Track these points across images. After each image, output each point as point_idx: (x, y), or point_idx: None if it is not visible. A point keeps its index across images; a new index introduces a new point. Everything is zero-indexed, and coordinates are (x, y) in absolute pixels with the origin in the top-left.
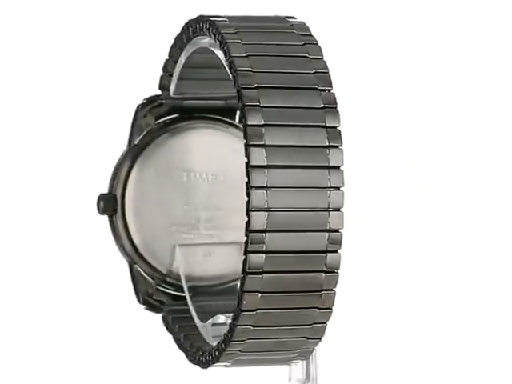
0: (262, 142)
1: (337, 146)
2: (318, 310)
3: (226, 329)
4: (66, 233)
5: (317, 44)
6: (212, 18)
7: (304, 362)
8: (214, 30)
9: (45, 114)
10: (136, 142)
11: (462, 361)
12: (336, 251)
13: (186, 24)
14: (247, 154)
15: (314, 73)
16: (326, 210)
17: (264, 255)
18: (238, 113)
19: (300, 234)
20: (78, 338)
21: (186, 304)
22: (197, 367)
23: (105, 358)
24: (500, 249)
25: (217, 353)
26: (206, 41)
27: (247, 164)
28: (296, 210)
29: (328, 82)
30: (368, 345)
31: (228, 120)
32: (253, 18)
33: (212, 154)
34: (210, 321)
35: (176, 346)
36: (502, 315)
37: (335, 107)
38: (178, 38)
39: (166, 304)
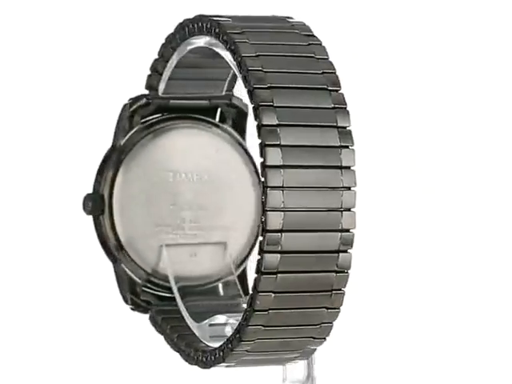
0: (278, 142)
1: (348, 146)
2: (326, 310)
3: (223, 329)
4: (48, 233)
5: (321, 44)
6: (214, 18)
7: (303, 361)
8: (218, 30)
9: (27, 112)
10: (122, 143)
11: (463, 362)
12: (347, 251)
13: (181, 24)
14: (263, 154)
15: (322, 73)
16: (339, 210)
17: (279, 255)
18: (218, 112)
19: (314, 234)
20: (65, 339)
21: (175, 304)
22: (185, 366)
23: (90, 359)
24: (500, 249)
25: (222, 353)
26: (205, 40)
27: (263, 164)
28: (310, 210)
29: (336, 82)
30: (367, 345)
31: (211, 120)
32: (254, 18)
33: (196, 153)
34: (206, 321)
35: (166, 346)
36: (502, 315)
37: (345, 107)
38: (171, 38)
39: (153, 304)
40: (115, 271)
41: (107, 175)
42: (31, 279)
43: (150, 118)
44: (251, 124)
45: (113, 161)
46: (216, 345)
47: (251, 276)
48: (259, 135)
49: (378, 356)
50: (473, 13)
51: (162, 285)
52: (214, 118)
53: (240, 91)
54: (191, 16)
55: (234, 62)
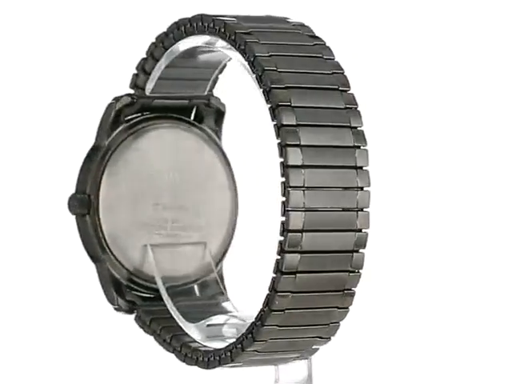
0: (298, 142)
1: (361, 146)
2: (337, 310)
3: (220, 329)
4: (28, 232)
5: (325, 44)
6: (219, 18)
7: (302, 361)
8: (224, 30)
9: (7, 112)
10: (107, 143)
11: (460, 363)
12: (360, 251)
13: (177, 23)
14: (283, 154)
15: (332, 73)
16: (355, 210)
17: (299, 255)
18: (193, 112)
19: (331, 234)
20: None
21: (162, 304)
22: (170, 366)
23: (75, 361)
24: (500, 249)
25: (230, 353)
26: (204, 39)
27: (283, 164)
28: (329, 210)
29: (346, 82)
30: (363, 344)
31: (190, 120)
32: (256, 18)
33: (177, 153)
34: (203, 321)
35: (151, 346)
36: (502, 314)
37: (356, 107)
38: (163, 37)
39: (138, 305)
40: (98, 272)
41: (93, 175)
42: (12, 280)
43: (134, 117)
44: (230, 124)
45: (97, 161)
46: (213, 345)
47: (229, 275)
48: (278, 135)
49: (373, 356)
50: (474, 14)
51: (146, 285)
52: (189, 117)
53: (222, 91)
54: (169, 16)
55: (245, 62)
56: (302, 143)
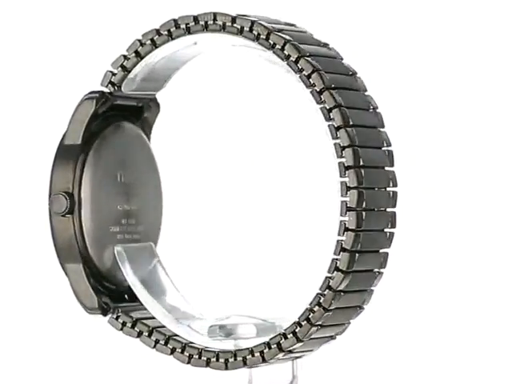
0: (356, 143)
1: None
2: (358, 309)
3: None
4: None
5: (343, 59)
6: (251, 18)
7: (289, 362)
8: (265, 35)
9: None
10: (80, 141)
11: (460, 363)
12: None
13: (176, 20)
14: (345, 155)
15: (364, 91)
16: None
17: (357, 255)
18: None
19: (379, 234)
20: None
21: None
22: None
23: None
24: (500, 249)
25: (261, 353)
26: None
27: (343, 164)
28: (378, 209)
29: (374, 101)
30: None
31: (136, 120)
32: (278, 22)
33: (133, 154)
34: (213, 322)
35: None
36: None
37: (384, 127)
38: (156, 35)
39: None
40: (75, 272)
41: (72, 174)
42: None
43: (104, 115)
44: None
45: (74, 159)
46: (216, 346)
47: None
48: (336, 136)
49: (361, 359)
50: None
51: (117, 288)
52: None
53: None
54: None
55: (284, 62)
56: (358, 144)
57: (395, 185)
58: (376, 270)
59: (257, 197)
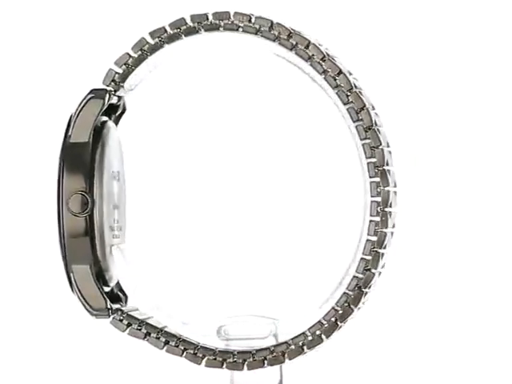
0: (387, 144)
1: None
2: None
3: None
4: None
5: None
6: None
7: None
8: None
9: None
10: (87, 139)
11: (461, 363)
12: None
13: (193, 18)
14: (377, 156)
15: (373, 108)
16: None
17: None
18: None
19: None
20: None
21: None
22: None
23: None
24: (500, 249)
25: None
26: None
27: (375, 165)
28: None
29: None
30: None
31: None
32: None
33: (116, 154)
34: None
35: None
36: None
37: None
38: (162, 32)
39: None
40: (83, 274)
41: (86, 172)
42: None
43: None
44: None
45: (86, 157)
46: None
47: None
48: (366, 137)
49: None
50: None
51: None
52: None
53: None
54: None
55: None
56: (384, 145)
57: None
58: None
59: (280, 199)
